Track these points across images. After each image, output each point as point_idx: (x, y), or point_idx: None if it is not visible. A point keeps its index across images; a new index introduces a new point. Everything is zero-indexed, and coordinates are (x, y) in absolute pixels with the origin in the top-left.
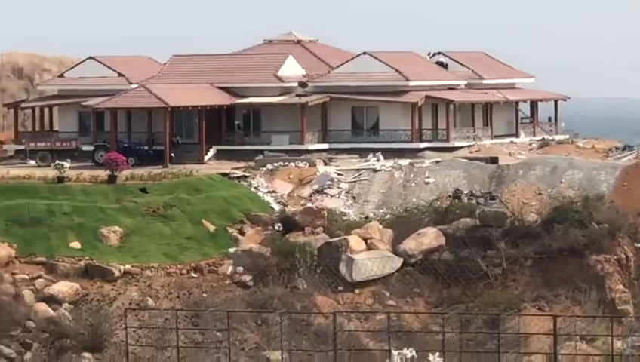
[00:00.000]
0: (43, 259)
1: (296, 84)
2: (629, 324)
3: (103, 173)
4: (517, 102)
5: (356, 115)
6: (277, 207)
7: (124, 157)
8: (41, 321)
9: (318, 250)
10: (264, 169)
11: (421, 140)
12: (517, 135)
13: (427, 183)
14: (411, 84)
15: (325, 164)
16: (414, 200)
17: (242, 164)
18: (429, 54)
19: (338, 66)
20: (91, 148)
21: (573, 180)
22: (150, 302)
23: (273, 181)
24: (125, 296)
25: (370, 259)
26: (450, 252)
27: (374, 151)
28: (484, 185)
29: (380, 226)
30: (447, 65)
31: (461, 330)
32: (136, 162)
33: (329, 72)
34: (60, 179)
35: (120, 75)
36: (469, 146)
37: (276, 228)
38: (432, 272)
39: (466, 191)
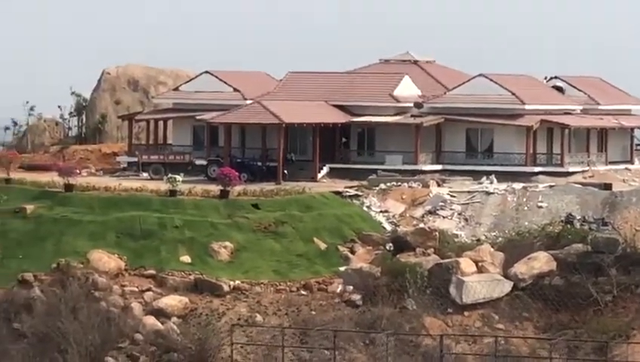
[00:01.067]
0: (153, 272)
1: (411, 105)
2: None
3: (215, 188)
4: (632, 129)
5: (471, 137)
6: (389, 227)
7: (237, 173)
8: (149, 334)
9: (429, 271)
10: (377, 188)
11: (535, 164)
12: (631, 162)
13: (540, 207)
14: (527, 107)
15: (438, 185)
16: (526, 224)
17: (355, 183)
18: (545, 78)
19: (454, 88)
20: (204, 162)
21: None
22: (259, 318)
23: (386, 201)
24: (234, 311)
25: (480, 282)
26: (560, 277)
27: (488, 173)
28: (597, 211)
29: (492, 249)
30: (563, 89)
31: (568, 356)
32: (249, 178)
33: (445, 93)
34: (173, 193)
35: (235, 90)
36: (583, 172)
37: (387, 247)
38: (542, 297)
39: (578, 217)
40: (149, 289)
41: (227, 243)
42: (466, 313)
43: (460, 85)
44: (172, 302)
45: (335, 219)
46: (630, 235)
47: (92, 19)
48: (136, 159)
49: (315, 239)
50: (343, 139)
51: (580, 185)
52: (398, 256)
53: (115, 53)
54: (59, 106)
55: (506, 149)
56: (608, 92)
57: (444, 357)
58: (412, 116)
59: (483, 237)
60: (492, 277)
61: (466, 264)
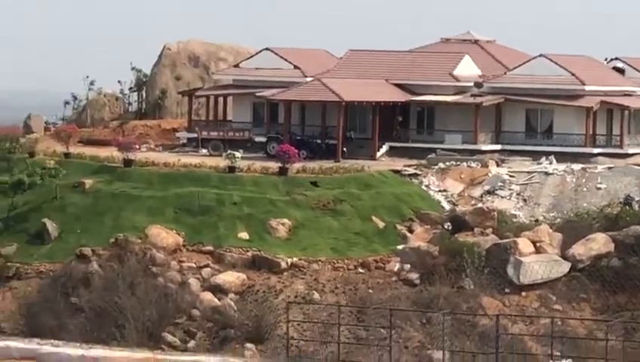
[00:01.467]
0: (210, 248)
1: (471, 84)
2: None
3: (274, 165)
4: None
5: (530, 117)
6: (447, 206)
7: (297, 150)
8: (206, 310)
9: (487, 251)
10: (436, 167)
11: (594, 145)
12: None
13: (599, 189)
14: (587, 88)
15: (497, 165)
16: (585, 205)
17: (414, 162)
18: (605, 59)
19: (514, 68)
20: (264, 139)
21: None
22: (316, 296)
23: (444, 180)
24: (291, 288)
25: (538, 263)
26: (618, 258)
27: (547, 154)
28: None
29: (550, 230)
30: (623, 70)
31: (625, 338)
32: (308, 155)
33: (505, 73)
34: (231, 169)
35: (296, 67)
36: None
37: (445, 227)
38: (599, 278)
39: (637, 198)
40: (206, 266)
41: (285, 221)
42: (523, 293)
43: (520, 65)
44: (229, 278)
45: (393, 198)
46: None
47: None
48: (195, 135)
49: (374, 217)
50: (399, 118)
51: (639, 167)
52: (456, 235)
53: (177, 28)
54: (119, 81)
55: (565, 130)
56: None
57: (500, 337)
58: (472, 96)
59: (541, 218)
60: (550, 257)
61: (524, 244)
